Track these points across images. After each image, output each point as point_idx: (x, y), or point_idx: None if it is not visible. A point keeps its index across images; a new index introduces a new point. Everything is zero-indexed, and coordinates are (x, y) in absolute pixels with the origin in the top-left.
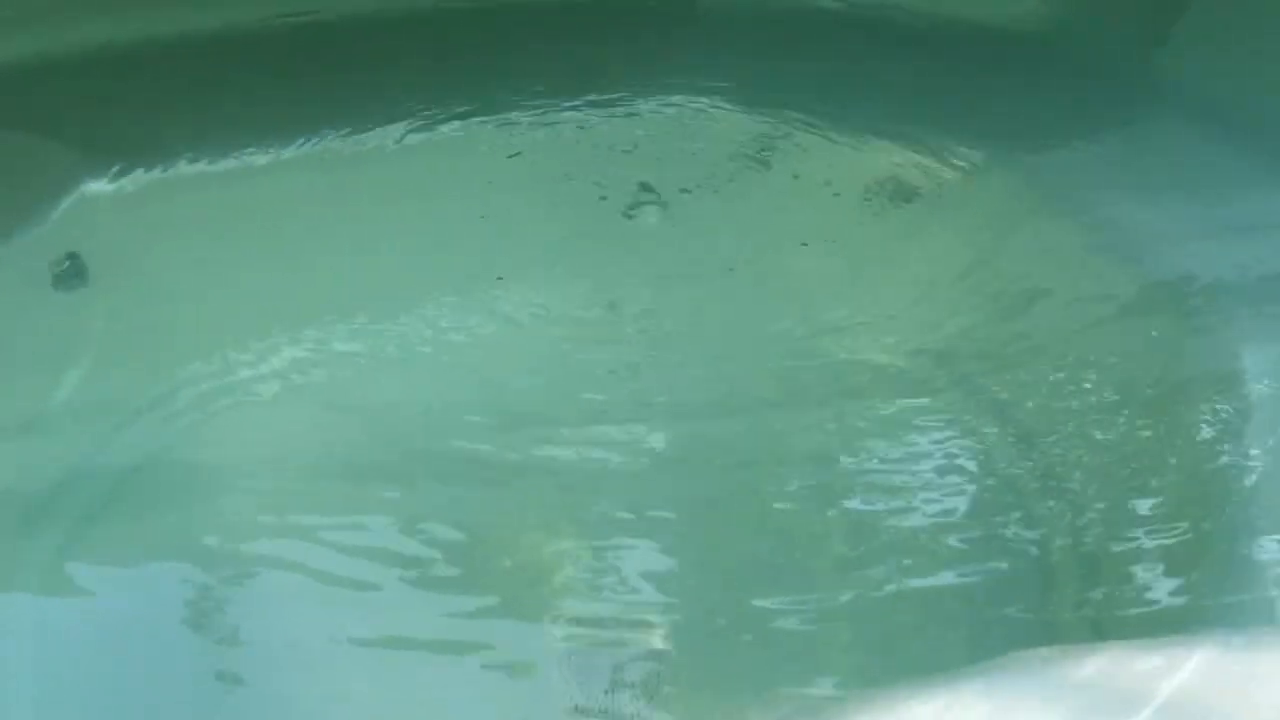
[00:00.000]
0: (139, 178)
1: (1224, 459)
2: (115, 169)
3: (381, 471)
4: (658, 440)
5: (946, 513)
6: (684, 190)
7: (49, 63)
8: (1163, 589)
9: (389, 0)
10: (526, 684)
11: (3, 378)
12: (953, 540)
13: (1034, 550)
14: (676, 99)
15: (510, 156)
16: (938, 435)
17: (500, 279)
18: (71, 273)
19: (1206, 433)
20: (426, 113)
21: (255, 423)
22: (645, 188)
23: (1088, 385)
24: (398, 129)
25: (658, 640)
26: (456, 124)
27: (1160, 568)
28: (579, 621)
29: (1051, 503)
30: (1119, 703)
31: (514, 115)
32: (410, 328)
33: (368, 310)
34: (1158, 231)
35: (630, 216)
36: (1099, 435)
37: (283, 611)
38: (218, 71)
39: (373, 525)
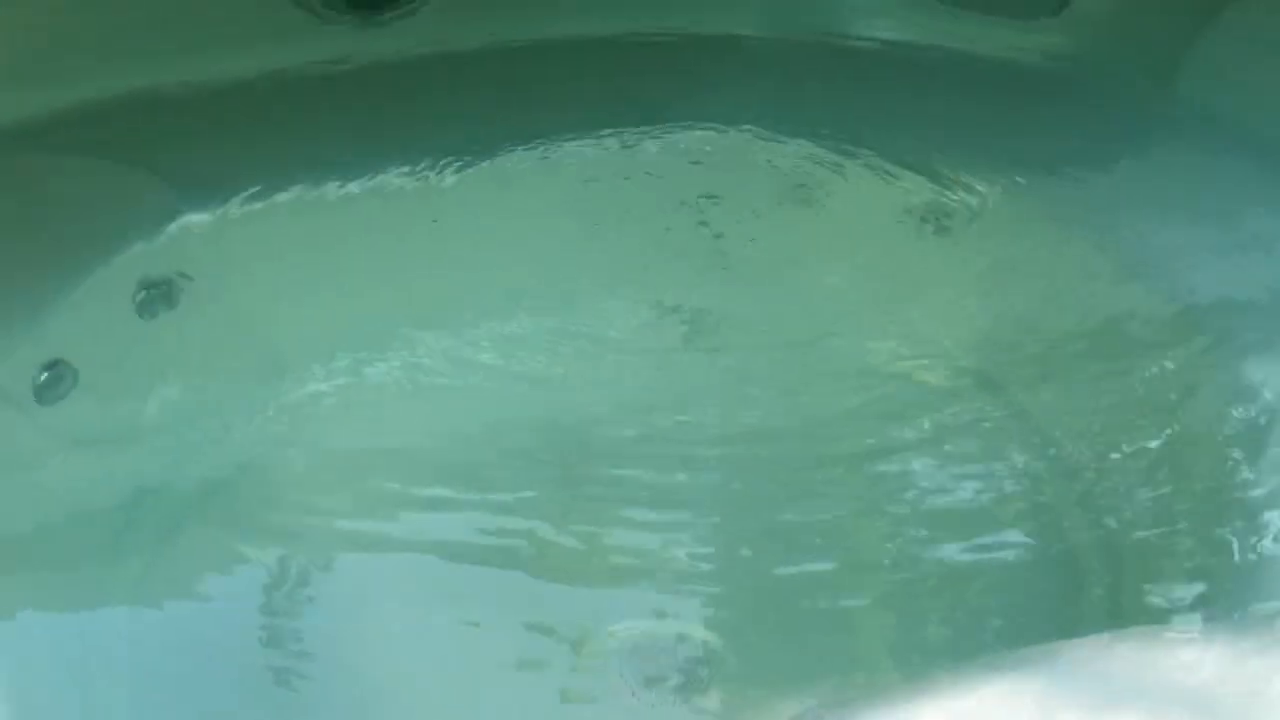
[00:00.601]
0: (224, 208)
1: (1246, 471)
2: (202, 200)
3: (454, 480)
4: (713, 454)
5: (986, 521)
6: (728, 216)
7: (144, 99)
8: (1188, 593)
9: (451, 41)
10: (589, 672)
11: (94, 398)
12: (989, 543)
13: (1066, 556)
14: (719, 129)
15: (564, 185)
16: (977, 450)
17: (558, 302)
18: (160, 297)
19: (1229, 445)
20: (482, 145)
21: (335, 437)
22: (690, 215)
23: (1114, 400)
24: (460, 160)
25: (708, 634)
26: (513, 155)
27: (1186, 573)
28: (637, 616)
29: (1082, 511)
30: (1149, 695)
31: (566, 146)
32: (479, 347)
33: (433, 329)
34: (1178, 252)
35: (679, 242)
36: (1126, 448)
37: (367, 617)
38: (296, 110)
39: (451, 532)
